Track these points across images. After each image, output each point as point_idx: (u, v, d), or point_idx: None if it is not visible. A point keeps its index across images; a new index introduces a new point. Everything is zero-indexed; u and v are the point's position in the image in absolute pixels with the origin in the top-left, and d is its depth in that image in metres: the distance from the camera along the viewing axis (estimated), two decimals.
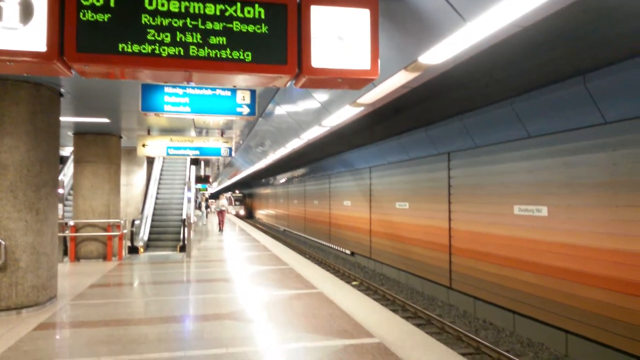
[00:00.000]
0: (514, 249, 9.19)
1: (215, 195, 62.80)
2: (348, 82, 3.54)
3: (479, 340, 8.45)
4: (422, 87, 5.88)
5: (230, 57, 3.28)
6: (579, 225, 7.63)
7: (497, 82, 7.47)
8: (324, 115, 8.11)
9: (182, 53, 3.26)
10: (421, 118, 10.82)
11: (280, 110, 9.89)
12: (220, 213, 22.66)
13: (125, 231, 12.84)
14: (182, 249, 13.76)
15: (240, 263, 11.85)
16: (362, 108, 6.83)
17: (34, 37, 3.10)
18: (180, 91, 5.83)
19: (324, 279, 9.58)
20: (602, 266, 7.19)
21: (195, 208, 32.38)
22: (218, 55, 3.27)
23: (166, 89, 5.81)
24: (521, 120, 8.54)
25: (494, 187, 9.78)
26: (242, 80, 3.57)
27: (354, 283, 14.55)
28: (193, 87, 5.88)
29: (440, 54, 3.99)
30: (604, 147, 7.15)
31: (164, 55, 3.25)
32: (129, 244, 13.58)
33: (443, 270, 11.87)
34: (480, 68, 6.58)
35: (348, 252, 19.74)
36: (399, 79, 4.87)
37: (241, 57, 3.29)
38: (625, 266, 6.80)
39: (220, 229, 22.03)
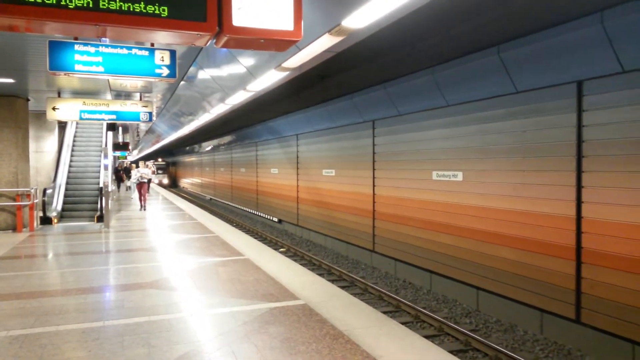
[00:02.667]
0: (432, 213, 9.66)
1: (136, 164, 60.17)
2: (271, 43, 3.47)
3: (399, 299, 8.90)
4: (347, 53, 5.90)
5: (144, 11, 3.09)
6: (490, 189, 8.14)
7: (419, 51, 7.64)
8: (249, 79, 7.94)
9: (91, 5, 3.03)
10: (347, 85, 10.90)
11: (204, 74, 9.56)
12: (142, 186, 17.53)
13: (36, 201, 12.05)
14: (100, 219, 13.16)
15: (164, 232, 11.56)
16: (287, 73, 6.76)
17: None
18: (92, 49, 5.43)
19: (251, 246, 9.59)
20: (511, 227, 7.76)
21: (126, 178, 30.32)
22: (131, 9, 3.07)
23: (76, 47, 5.39)
24: (440, 89, 8.86)
25: (415, 154, 10.15)
26: (159, 37, 3.40)
27: (281, 250, 14.71)
28: (107, 46, 5.50)
29: (364, 18, 4.01)
30: (515, 115, 7.61)
31: (70, 6, 3.00)
32: (40, 214, 12.77)
33: (367, 235, 12.28)
34: (403, 36, 6.68)
35: (276, 219, 19.83)
36: (324, 43, 4.85)
37: (157, 11, 3.11)
38: (531, 226, 7.39)
39: (142, 207, 17.26)
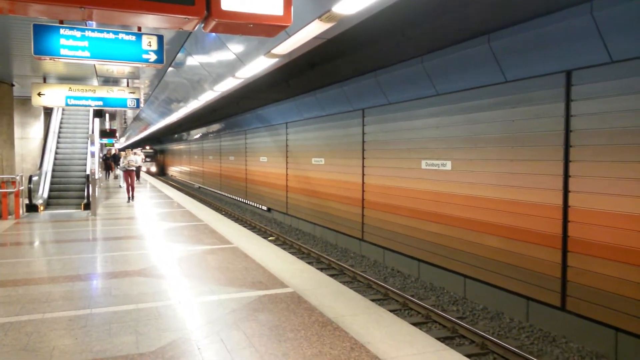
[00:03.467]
0: (420, 202, 9.70)
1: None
2: (260, 28, 3.42)
3: (387, 287, 8.96)
4: (337, 40, 5.85)
5: None
6: (479, 178, 8.18)
7: (409, 39, 7.61)
8: (238, 66, 7.86)
9: None
10: (337, 74, 10.84)
11: (192, 60, 9.44)
12: (129, 174, 15.75)
13: (22, 188, 11.89)
14: (87, 206, 13.04)
15: (152, 220, 11.48)
16: (277, 59, 6.70)
17: None
18: (78, 34, 5.33)
19: (240, 234, 9.57)
20: (498, 215, 7.82)
21: (115, 166, 29.51)
22: None
23: (62, 31, 5.28)
24: (430, 78, 8.85)
25: (404, 143, 10.16)
26: (146, 20, 3.33)
27: (270, 238, 14.70)
28: (93, 30, 5.41)
29: (354, 4, 3.96)
30: (504, 105, 7.63)
31: None
32: (26, 201, 12.61)
33: (356, 224, 12.30)
34: (393, 23, 6.64)
35: (265, 208, 19.80)
36: (314, 29, 4.80)
37: None
38: (518, 215, 7.45)
39: (130, 197, 15.69)
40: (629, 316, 5.89)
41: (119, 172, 22.90)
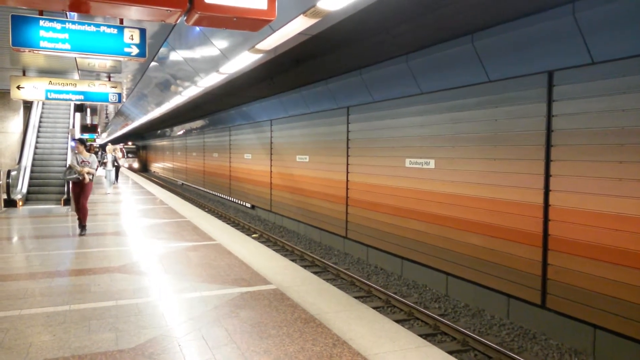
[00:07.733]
0: (404, 200, 9.74)
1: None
2: (244, 22, 3.39)
3: (370, 284, 8.98)
4: (322, 36, 5.84)
5: None
6: (461, 177, 8.24)
7: (393, 37, 7.62)
8: (222, 61, 7.80)
9: None
10: (322, 71, 10.82)
11: (176, 55, 9.34)
12: (82, 188, 8.91)
13: (0, 182, 11.65)
14: (67, 202, 12.83)
15: (133, 216, 11.35)
16: (261, 55, 6.66)
17: None
18: (58, 25, 5.22)
19: (223, 231, 9.51)
20: (480, 214, 7.88)
21: (99, 164, 28.24)
22: None
23: (42, 22, 5.17)
24: (415, 77, 8.88)
25: (389, 141, 10.18)
26: (127, 12, 3.27)
27: (254, 235, 14.64)
28: (74, 22, 5.31)
29: None
30: (487, 104, 7.69)
31: None
32: (4, 196, 12.37)
33: (340, 221, 12.31)
34: (378, 20, 6.65)
35: (249, 205, 19.71)
36: (299, 25, 4.78)
37: None
38: (500, 214, 7.52)
39: (80, 225, 8.90)
40: (607, 313, 5.99)
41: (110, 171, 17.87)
